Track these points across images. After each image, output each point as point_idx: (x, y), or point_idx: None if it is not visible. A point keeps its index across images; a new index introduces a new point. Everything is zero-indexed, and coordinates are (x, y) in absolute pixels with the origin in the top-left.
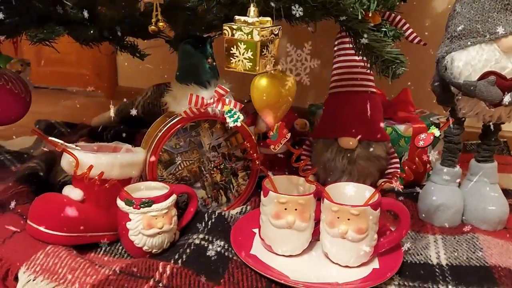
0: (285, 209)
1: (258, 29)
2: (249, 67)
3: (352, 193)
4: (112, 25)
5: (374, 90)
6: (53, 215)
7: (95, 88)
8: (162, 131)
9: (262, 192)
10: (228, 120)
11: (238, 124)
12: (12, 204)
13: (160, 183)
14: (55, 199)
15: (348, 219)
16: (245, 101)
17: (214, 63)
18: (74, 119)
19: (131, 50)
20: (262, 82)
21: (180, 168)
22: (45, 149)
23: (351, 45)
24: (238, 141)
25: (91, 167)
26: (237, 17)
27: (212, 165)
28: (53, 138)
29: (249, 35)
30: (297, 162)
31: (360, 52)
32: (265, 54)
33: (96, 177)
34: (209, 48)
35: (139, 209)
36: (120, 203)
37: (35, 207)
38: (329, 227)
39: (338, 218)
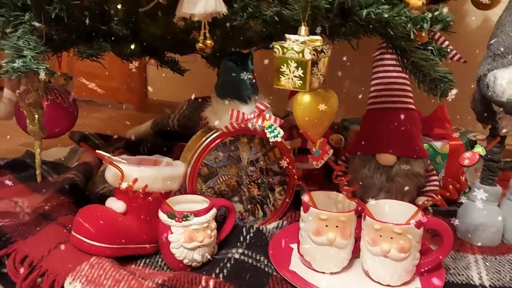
0: (326, 225)
1: (310, 47)
2: (299, 85)
3: (393, 210)
4: (153, 40)
5: (412, 106)
6: (97, 227)
7: (125, 100)
8: (203, 145)
9: (302, 208)
10: (268, 135)
11: (278, 139)
12: (56, 214)
13: (199, 197)
14: (99, 211)
15: (391, 238)
16: (281, 116)
17: (254, 79)
18: (105, 131)
19: (171, 65)
20: (305, 98)
21: (219, 182)
22: (80, 160)
23: (390, 62)
24: (276, 156)
25: (135, 180)
26: (287, 35)
27: (250, 180)
28: (100, 152)
29: (300, 54)
30: (337, 178)
31: (407, 70)
32: (314, 72)
33: (140, 190)
34: (250, 65)
35: (181, 222)
36: (162, 216)
37: (80, 218)
38: (371, 245)
39: (380, 236)
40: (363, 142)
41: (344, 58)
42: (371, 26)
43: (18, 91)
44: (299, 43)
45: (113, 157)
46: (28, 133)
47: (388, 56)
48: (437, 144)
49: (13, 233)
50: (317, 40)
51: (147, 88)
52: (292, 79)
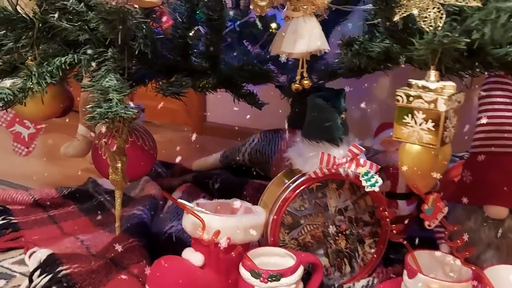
0: None
1: (445, 97)
2: (428, 139)
3: None
4: (231, 72)
5: None
6: (173, 282)
7: (183, 123)
8: (287, 190)
9: (406, 272)
10: (364, 183)
11: (376, 188)
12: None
13: (282, 250)
14: (176, 264)
15: None
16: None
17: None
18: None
19: (249, 99)
20: (415, 146)
21: (303, 232)
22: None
23: (501, 99)
24: (367, 204)
25: (218, 232)
26: (413, 81)
27: (337, 230)
28: (182, 201)
29: (432, 104)
30: (450, 240)
31: None
32: (447, 125)
33: (222, 242)
34: (342, 102)
35: (266, 283)
36: (245, 274)
37: (155, 271)
38: None
39: None
40: (467, 191)
41: None
42: (498, 64)
43: (94, 132)
44: (429, 91)
45: (195, 208)
46: (109, 181)
47: (499, 93)
48: None
49: (83, 282)
50: (451, 87)
51: (206, 111)
52: (418, 132)
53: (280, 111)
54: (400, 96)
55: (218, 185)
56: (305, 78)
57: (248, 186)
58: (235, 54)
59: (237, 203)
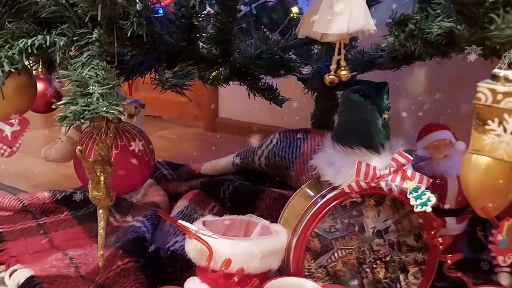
0: None
1: None
2: None
3: None
4: (247, 62)
5: None
6: None
7: (193, 118)
8: (314, 208)
9: None
10: (413, 202)
11: (428, 208)
12: None
13: (308, 281)
14: None
15: None
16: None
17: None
18: (172, 151)
19: (268, 93)
20: (482, 159)
21: (333, 259)
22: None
23: None
24: (413, 225)
25: (228, 261)
26: (501, 72)
27: (375, 257)
28: (184, 223)
29: None
30: None
31: None
32: None
33: (233, 272)
34: (385, 99)
35: None
36: None
37: None
38: None
39: None
40: None
41: None
42: None
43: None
44: None
45: (201, 231)
46: (90, 198)
47: None
48: None
49: None
50: None
51: (218, 105)
52: (508, 143)
53: (302, 107)
54: (483, 93)
55: (230, 193)
56: (343, 68)
57: (265, 196)
58: (251, 40)
59: (251, 218)
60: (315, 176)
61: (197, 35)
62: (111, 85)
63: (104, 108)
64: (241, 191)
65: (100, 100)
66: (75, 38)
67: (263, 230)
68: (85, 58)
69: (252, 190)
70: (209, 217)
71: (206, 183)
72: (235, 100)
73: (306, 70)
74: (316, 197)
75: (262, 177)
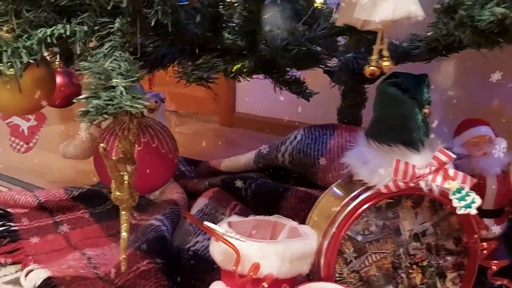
0: None
1: None
2: None
3: None
4: (273, 53)
5: None
6: None
7: (210, 113)
8: (347, 209)
9: None
10: (456, 203)
11: (473, 211)
12: None
13: (339, 286)
14: None
15: None
16: None
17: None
18: (189, 147)
19: (295, 87)
20: None
21: (367, 263)
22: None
23: None
24: (452, 228)
25: (257, 266)
26: None
27: (412, 261)
28: (210, 224)
29: None
30: None
31: None
32: None
33: (262, 278)
34: (425, 92)
35: None
36: None
37: None
38: None
39: None
40: None
41: None
42: None
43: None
44: None
45: (227, 233)
46: (112, 199)
47: None
48: None
49: None
50: None
51: (235, 100)
52: None
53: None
54: None
55: (252, 191)
56: (386, 58)
57: (290, 195)
58: (278, 30)
59: (279, 219)
60: (346, 175)
61: (223, 25)
62: (135, 78)
63: (128, 102)
64: (264, 189)
65: (124, 93)
66: (96, 28)
67: (291, 232)
68: (106, 49)
69: (276, 189)
70: (234, 218)
71: (226, 180)
72: (252, 95)
73: (333, 62)
74: (348, 197)
75: (286, 175)
